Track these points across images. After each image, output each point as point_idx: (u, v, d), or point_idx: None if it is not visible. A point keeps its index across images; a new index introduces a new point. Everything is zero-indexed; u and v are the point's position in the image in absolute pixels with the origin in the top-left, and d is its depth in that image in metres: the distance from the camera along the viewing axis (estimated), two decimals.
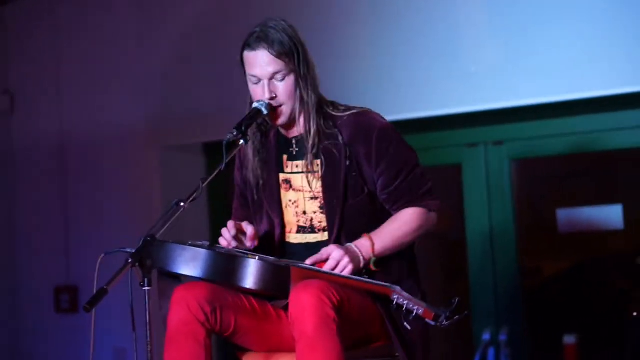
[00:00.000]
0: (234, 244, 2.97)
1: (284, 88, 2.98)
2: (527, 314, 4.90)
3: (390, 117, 3.14)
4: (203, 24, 5.36)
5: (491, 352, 4.77)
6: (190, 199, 2.74)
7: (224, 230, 2.99)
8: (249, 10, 5.10)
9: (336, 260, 2.90)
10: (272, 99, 2.97)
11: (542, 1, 4.51)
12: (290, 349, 2.84)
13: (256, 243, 3.00)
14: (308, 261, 2.92)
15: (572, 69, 4.45)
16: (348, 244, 2.96)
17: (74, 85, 5.77)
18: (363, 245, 2.96)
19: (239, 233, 2.99)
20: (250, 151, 3.10)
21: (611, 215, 4.77)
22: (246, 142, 2.93)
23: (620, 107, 4.58)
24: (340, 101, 3.13)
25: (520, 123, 4.81)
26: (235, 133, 2.90)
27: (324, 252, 2.93)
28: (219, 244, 3.01)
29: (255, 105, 2.98)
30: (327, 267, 2.89)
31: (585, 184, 4.99)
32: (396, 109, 4.70)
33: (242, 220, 3.17)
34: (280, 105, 2.99)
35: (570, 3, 4.46)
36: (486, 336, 4.79)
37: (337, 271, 2.89)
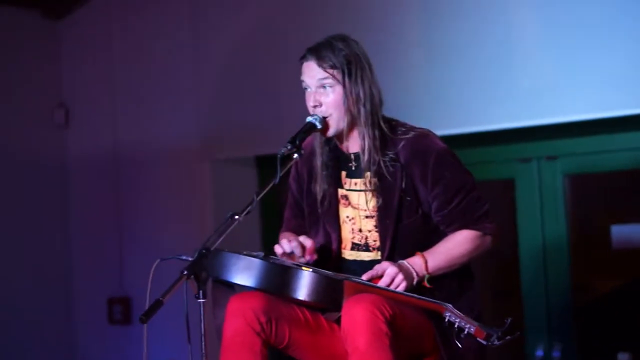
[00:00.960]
0: (288, 250, 2.99)
1: (329, 98, 3.00)
2: (580, 330, 4.85)
3: (443, 132, 3.14)
4: (256, 37, 5.39)
5: None
6: (245, 212, 2.76)
7: (283, 240, 3.01)
8: (302, 24, 5.12)
9: (390, 276, 2.90)
10: (315, 106, 3.00)
11: (596, 16, 4.47)
12: None
13: (315, 257, 3.01)
14: (364, 277, 2.92)
15: (626, 84, 4.40)
16: (401, 261, 2.96)
17: (128, 98, 5.83)
18: (416, 263, 2.96)
19: (297, 246, 3.00)
20: (319, 164, 3.12)
21: None
22: (300, 155, 2.94)
23: None
24: (394, 116, 3.13)
25: (574, 138, 4.77)
26: (289, 147, 2.92)
27: (378, 268, 2.93)
28: (273, 252, 3.02)
29: (309, 119, 3.00)
30: (381, 284, 2.90)
31: None
32: (449, 124, 4.69)
33: (294, 230, 3.20)
34: (328, 116, 3.01)
35: (623, 19, 4.42)
36: (539, 353, 4.75)
37: (391, 288, 2.89)
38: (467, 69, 4.73)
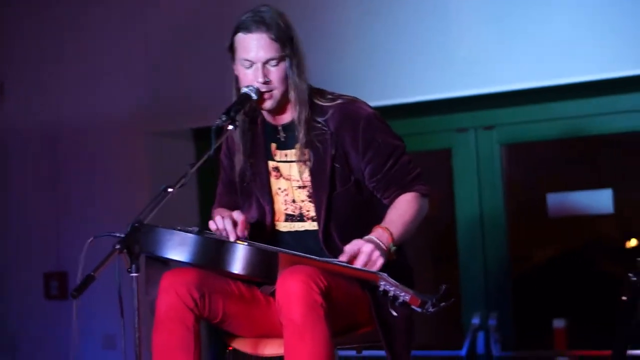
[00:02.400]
0: (222, 227, 2.96)
1: (276, 73, 2.95)
2: (517, 298, 4.91)
3: (379, 103, 3.13)
4: (193, 9, 5.34)
5: (481, 336, 4.78)
6: (178, 184, 2.72)
7: (217, 217, 2.97)
8: None
9: (367, 254, 2.85)
10: (265, 83, 2.95)
11: None
12: (279, 335, 2.83)
13: (246, 233, 2.99)
14: (342, 258, 2.86)
15: (562, 53, 4.44)
16: (368, 237, 2.91)
17: (64, 72, 5.74)
18: (382, 236, 2.92)
19: (229, 222, 2.97)
20: (239, 137, 3.09)
21: (601, 199, 4.77)
22: (235, 127, 2.92)
23: (610, 91, 4.58)
24: (329, 88, 3.12)
25: (510, 108, 4.81)
26: (224, 118, 2.87)
27: (353, 247, 2.86)
28: (208, 228, 3.00)
29: (244, 90, 2.96)
30: (359, 262, 2.84)
31: (575, 169, 4.99)
32: (385, 95, 4.70)
33: (226, 206, 3.19)
34: (271, 90, 2.97)
35: None
36: (475, 321, 4.79)
37: (368, 266, 2.84)
38: (403, 40, 4.73)
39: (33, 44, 5.85)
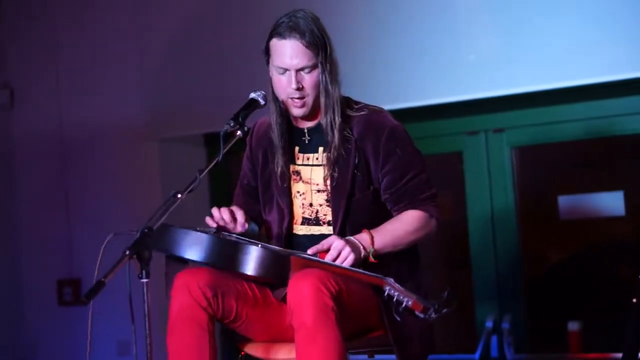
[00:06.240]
0: (221, 222, 3.00)
1: (310, 80, 2.97)
2: (530, 301, 4.90)
3: (390, 106, 3.13)
4: (203, 14, 5.35)
5: (494, 340, 4.77)
6: (188, 190, 2.75)
7: (213, 209, 3.02)
8: (249, 1, 5.09)
9: (338, 250, 2.89)
10: (298, 89, 2.96)
11: None
12: (290, 339, 2.84)
13: (246, 227, 3.02)
14: (310, 251, 2.92)
15: (572, 55, 4.44)
16: (348, 237, 2.95)
17: (73, 77, 5.75)
18: (363, 239, 2.95)
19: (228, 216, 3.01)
20: (278, 140, 3.09)
21: (612, 201, 4.77)
22: (243, 132, 2.92)
23: (621, 93, 4.57)
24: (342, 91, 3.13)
25: (520, 110, 4.80)
26: (232, 124, 2.90)
27: (325, 242, 2.92)
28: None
29: (252, 95, 2.99)
30: (328, 257, 2.89)
31: (587, 171, 4.98)
32: (396, 98, 4.70)
33: (241, 207, 3.20)
34: (303, 97, 2.99)
35: None
36: (489, 324, 4.78)
37: (338, 261, 2.89)
38: (413, 43, 4.73)
39: (42, 50, 5.86)
